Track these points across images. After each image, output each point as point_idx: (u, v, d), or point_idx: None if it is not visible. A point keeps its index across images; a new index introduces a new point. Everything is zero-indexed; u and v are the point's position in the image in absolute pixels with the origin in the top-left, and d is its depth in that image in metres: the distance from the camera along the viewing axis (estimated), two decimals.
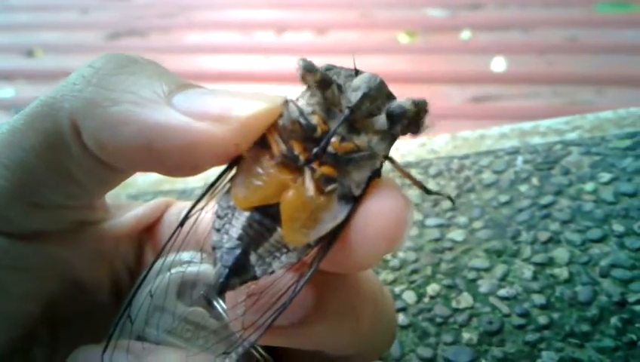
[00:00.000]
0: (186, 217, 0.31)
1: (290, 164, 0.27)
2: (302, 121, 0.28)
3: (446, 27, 2.55)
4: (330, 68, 0.29)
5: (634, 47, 2.19)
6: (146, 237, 0.40)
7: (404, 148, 0.73)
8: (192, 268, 0.37)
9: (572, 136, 0.70)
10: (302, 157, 0.27)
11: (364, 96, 0.28)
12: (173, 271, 0.37)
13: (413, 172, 0.69)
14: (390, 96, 0.29)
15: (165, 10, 2.97)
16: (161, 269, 0.36)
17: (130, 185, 0.78)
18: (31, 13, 3.09)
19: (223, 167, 0.29)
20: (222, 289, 0.28)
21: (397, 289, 0.56)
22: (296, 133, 0.28)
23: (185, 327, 0.36)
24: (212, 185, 0.30)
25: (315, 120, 0.28)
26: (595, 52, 2.23)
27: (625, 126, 0.69)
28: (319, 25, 2.64)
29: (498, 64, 2.25)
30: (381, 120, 0.28)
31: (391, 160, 0.30)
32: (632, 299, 0.52)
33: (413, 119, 0.28)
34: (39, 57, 2.70)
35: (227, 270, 0.28)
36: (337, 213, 0.27)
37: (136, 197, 0.76)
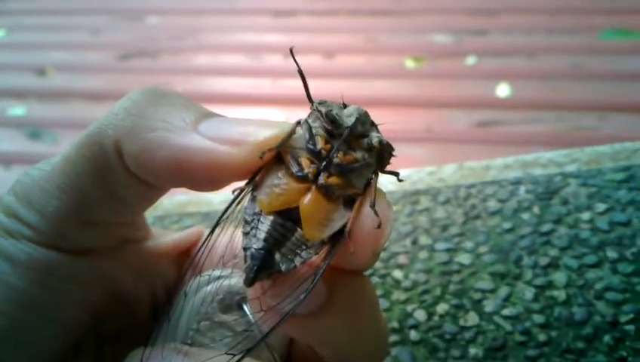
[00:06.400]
0: (216, 225, 0.37)
1: (303, 177, 0.34)
2: (310, 146, 0.34)
3: (452, 53, 2.58)
4: (323, 101, 0.35)
5: (637, 75, 2.22)
6: (186, 261, 0.44)
7: (415, 177, 0.78)
8: (227, 281, 0.42)
9: (571, 168, 0.74)
10: (310, 175, 0.34)
11: (357, 120, 0.34)
12: (212, 284, 0.42)
13: (423, 199, 0.74)
14: (373, 124, 0.36)
15: (175, 33, 3.01)
16: (199, 283, 0.41)
17: (157, 207, 0.82)
18: (43, 32, 3.13)
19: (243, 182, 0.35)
20: (252, 282, 0.34)
21: (409, 308, 0.61)
22: (305, 152, 0.34)
23: (225, 333, 0.41)
24: (235, 198, 0.36)
25: (319, 144, 0.34)
26: (598, 79, 2.25)
27: (620, 160, 0.74)
28: (327, 49, 2.67)
29: (503, 89, 2.28)
30: (371, 140, 0.35)
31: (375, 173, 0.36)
32: (623, 319, 0.56)
33: (379, 155, 0.35)
34: (51, 76, 2.74)
35: (256, 267, 0.33)
36: (344, 214, 0.34)
37: (162, 218, 0.80)
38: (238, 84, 2.55)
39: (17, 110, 2.49)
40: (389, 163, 0.36)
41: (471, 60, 2.50)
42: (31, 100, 2.55)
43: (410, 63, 2.53)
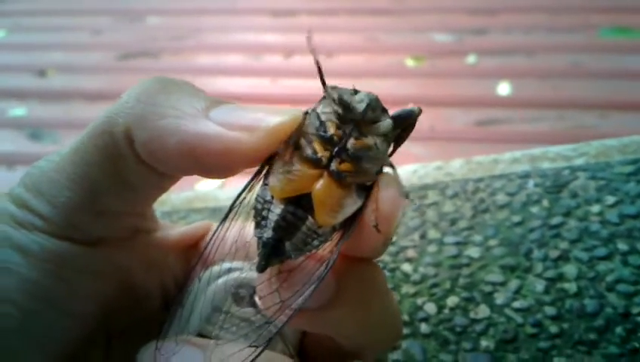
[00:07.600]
0: (228, 213, 0.37)
1: (316, 162, 0.34)
2: (321, 132, 0.34)
3: (452, 52, 2.58)
4: (334, 86, 0.35)
5: (637, 73, 2.22)
6: (194, 255, 0.44)
7: (422, 171, 0.78)
8: (240, 274, 0.42)
9: (579, 161, 0.74)
10: (324, 159, 0.34)
11: (368, 105, 0.34)
12: (224, 277, 0.42)
13: (431, 193, 0.74)
14: (384, 110, 0.36)
15: (176, 33, 3.01)
16: (211, 275, 0.41)
17: (164, 203, 0.82)
18: (43, 33, 3.12)
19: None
20: (263, 268, 0.34)
21: (419, 301, 0.61)
22: (317, 138, 0.34)
23: (242, 326, 0.41)
24: (248, 183, 0.36)
25: (331, 130, 0.34)
26: (598, 77, 2.25)
27: (628, 153, 0.74)
28: (327, 49, 2.66)
29: (503, 88, 2.28)
30: (382, 125, 0.35)
31: (390, 163, 0.36)
32: (635, 310, 0.56)
33: (413, 121, 0.36)
34: (51, 77, 2.73)
35: (266, 254, 0.34)
36: (356, 200, 0.34)
37: (170, 214, 0.80)
38: (239, 83, 2.55)
39: (18, 111, 2.48)
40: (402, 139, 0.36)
41: (471, 59, 2.50)
42: (31, 101, 2.54)
43: (410, 62, 2.53)
